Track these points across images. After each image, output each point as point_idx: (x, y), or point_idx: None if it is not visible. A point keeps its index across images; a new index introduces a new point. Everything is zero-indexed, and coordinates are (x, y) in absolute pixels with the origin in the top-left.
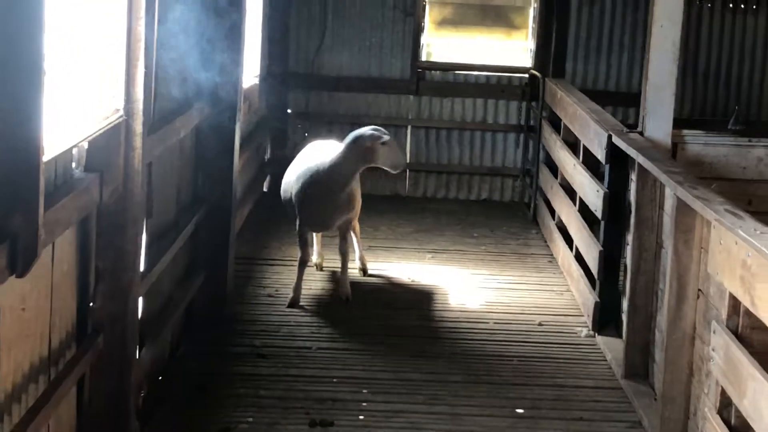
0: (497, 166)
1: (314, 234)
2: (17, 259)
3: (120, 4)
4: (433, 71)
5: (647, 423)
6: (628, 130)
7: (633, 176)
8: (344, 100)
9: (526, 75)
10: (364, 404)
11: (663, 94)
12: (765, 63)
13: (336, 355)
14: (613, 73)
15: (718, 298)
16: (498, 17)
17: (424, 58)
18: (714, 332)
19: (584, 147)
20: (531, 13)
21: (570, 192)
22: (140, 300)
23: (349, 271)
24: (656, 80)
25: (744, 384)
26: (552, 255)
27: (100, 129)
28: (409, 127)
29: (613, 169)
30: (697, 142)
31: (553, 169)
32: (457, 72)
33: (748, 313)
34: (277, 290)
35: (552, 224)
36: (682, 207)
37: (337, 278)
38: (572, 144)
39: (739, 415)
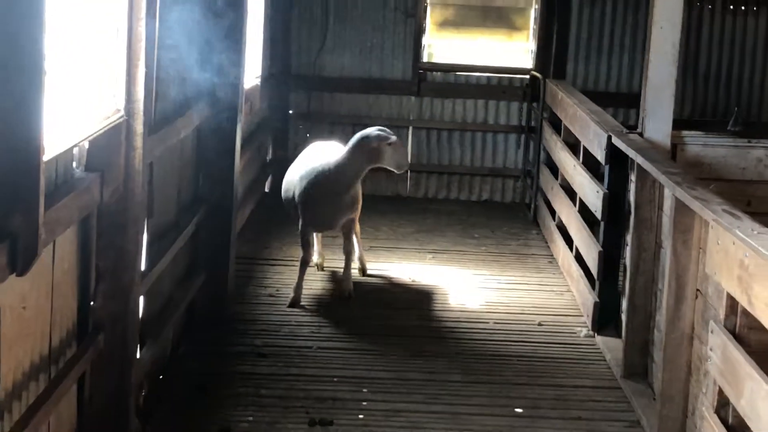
0: (498, 167)
1: (315, 234)
2: (18, 258)
3: (121, 5)
4: (434, 72)
5: (646, 422)
6: (627, 131)
7: (632, 177)
8: (345, 101)
9: (527, 76)
10: (364, 403)
11: (662, 95)
12: (765, 64)
13: (336, 355)
14: (613, 74)
15: (716, 298)
16: (499, 18)
17: (425, 59)
18: (712, 332)
19: (584, 148)
20: (532, 14)
21: (570, 193)
22: (141, 299)
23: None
24: (656, 81)
25: (741, 383)
26: (552, 255)
27: (101, 129)
28: (411, 128)
29: (613, 170)
30: (697, 143)
31: (554, 169)
32: (458, 73)
33: (745, 312)
34: (278, 290)
35: (552, 225)
36: (680, 207)
37: (338, 278)
38: (572, 145)
39: (737, 415)
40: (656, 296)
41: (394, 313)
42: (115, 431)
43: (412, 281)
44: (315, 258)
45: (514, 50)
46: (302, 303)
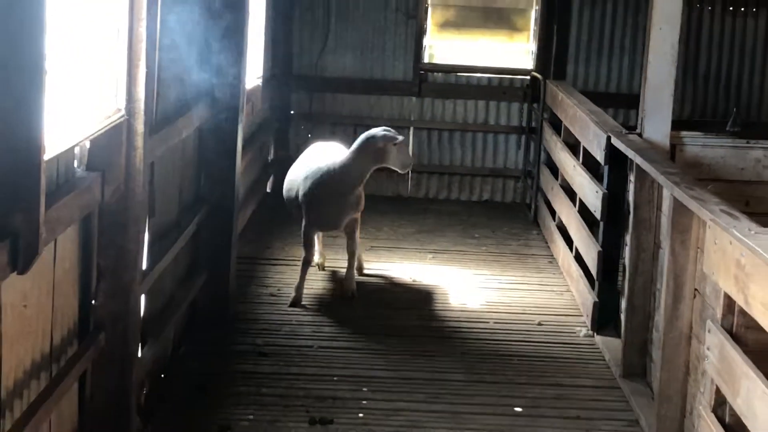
0: (499, 168)
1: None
2: (19, 257)
3: (122, 5)
4: (435, 73)
5: (644, 421)
6: (627, 132)
7: (631, 177)
8: (347, 101)
9: (528, 77)
10: (364, 402)
11: (662, 95)
12: (764, 66)
13: (337, 354)
14: (614, 75)
15: (713, 297)
16: (500, 20)
17: (426, 60)
18: (709, 331)
19: (584, 148)
20: (533, 15)
21: (570, 193)
22: (142, 298)
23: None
24: (655, 82)
25: (738, 382)
26: (552, 255)
27: (102, 128)
28: (412, 129)
29: (612, 171)
30: (696, 144)
31: (554, 170)
32: (459, 74)
33: (742, 312)
34: (279, 289)
35: (552, 225)
36: (678, 207)
37: (338, 277)
38: (572, 145)
39: (734, 414)
40: (655, 296)
41: (395, 312)
42: (116, 429)
43: (413, 281)
44: (316, 258)
45: (514, 51)
46: (303, 302)
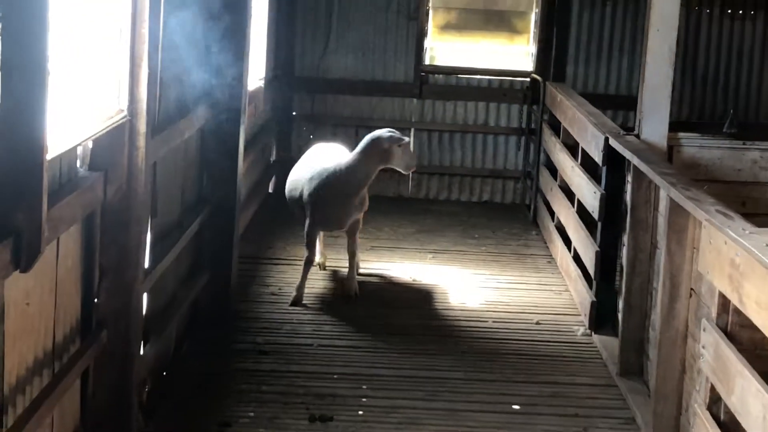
0: (499, 169)
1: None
2: (21, 255)
3: (124, 6)
4: (436, 75)
5: (641, 420)
6: (624, 133)
7: (629, 178)
8: (349, 103)
9: (528, 79)
10: (364, 400)
11: (659, 97)
12: (762, 68)
13: (337, 352)
14: (613, 77)
15: (708, 296)
16: (500, 22)
17: (427, 61)
18: (704, 330)
19: (582, 149)
20: (533, 18)
21: (569, 194)
22: (145, 297)
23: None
24: (652, 84)
25: (732, 381)
26: (551, 256)
27: (105, 128)
28: (413, 130)
29: (610, 171)
30: (693, 145)
31: (553, 171)
32: (459, 76)
33: (737, 311)
34: (280, 289)
35: (551, 225)
36: (675, 207)
37: (339, 277)
38: (571, 146)
39: (728, 411)
40: (652, 296)
41: (395, 311)
42: (118, 426)
43: (413, 281)
44: (317, 257)
45: (514, 53)
46: (304, 302)
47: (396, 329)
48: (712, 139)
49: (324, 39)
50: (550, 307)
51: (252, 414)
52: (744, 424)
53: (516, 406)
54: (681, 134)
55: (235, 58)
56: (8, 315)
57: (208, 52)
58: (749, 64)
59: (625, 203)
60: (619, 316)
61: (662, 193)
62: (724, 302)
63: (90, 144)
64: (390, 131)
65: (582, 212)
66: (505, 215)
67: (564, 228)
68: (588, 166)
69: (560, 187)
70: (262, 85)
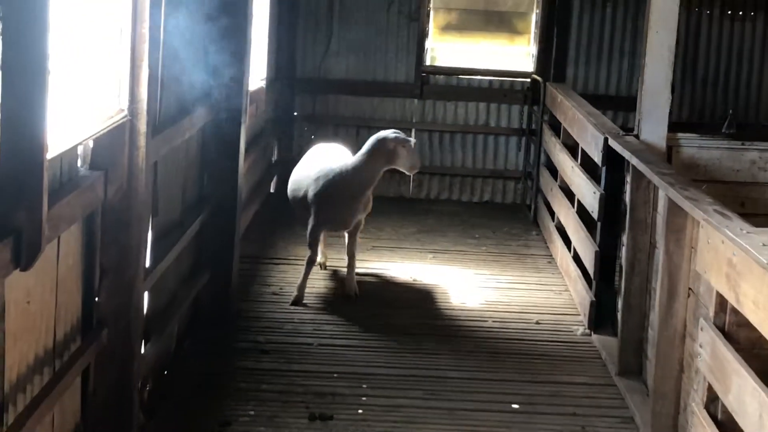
0: (499, 169)
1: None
2: (21, 253)
3: (125, 6)
4: (437, 75)
5: (639, 419)
6: (624, 133)
7: (628, 178)
8: (350, 103)
9: (528, 79)
10: (364, 399)
11: (658, 98)
12: (761, 68)
13: (337, 351)
14: (613, 78)
15: (706, 296)
16: (501, 23)
17: (428, 62)
18: (701, 329)
19: (582, 150)
20: (533, 19)
21: (569, 194)
22: (145, 296)
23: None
24: (652, 85)
25: (729, 379)
26: (551, 256)
27: (105, 128)
28: (413, 131)
29: (610, 172)
30: (692, 145)
31: (554, 171)
32: (460, 76)
33: (734, 310)
34: (281, 288)
35: (551, 225)
36: (673, 207)
37: (340, 277)
38: (572, 147)
39: (725, 410)
40: (651, 295)
41: (395, 311)
42: (118, 424)
43: (414, 280)
44: (318, 257)
45: (515, 54)
46: (305, 301)
47: (396, 329)
48: (711, 139)
49: (325, 40)
50: (549, 306)
51: (252, 412)
52: (741, 423)
53: (515, 405)
54: (680, 135)
55: (235, 58)
56: (9, 313)
57: (209, 52)
58: (749, 65)
59: (624, 203)
60: (619, 315)
61: (661, 193)
62: (721, 301)
63: (90, 143)
64: (395, 132)
65: (582, 212)
66: (505, 215)
67: (564, 228)
68: (588, 166)
69: (560, 187)
70: (264, 86)
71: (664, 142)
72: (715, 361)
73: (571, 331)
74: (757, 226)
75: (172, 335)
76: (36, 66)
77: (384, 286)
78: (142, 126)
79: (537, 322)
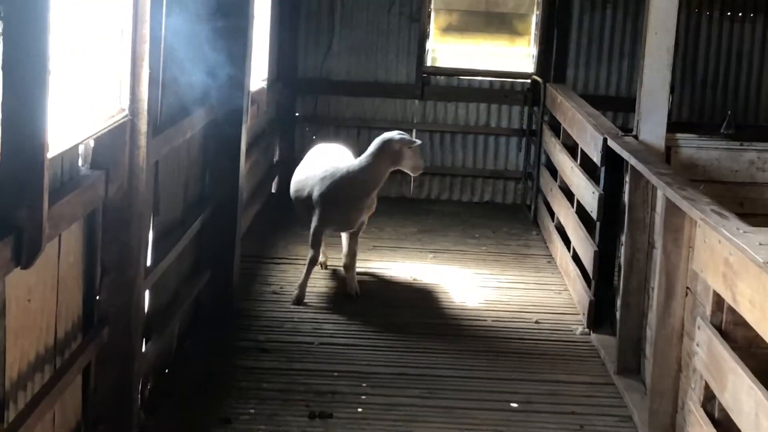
0: (500, 169)
1: None
2: (22, 251)
3: (126, 6)
4: (438, 76)
5: (637, 417)
6: (623, 134)
7: (627, 178)
8: (351, 104)
9: (529, 80)
10: (363, 397)
11: (657, 99)
12: (760, 69)
13: (337, 350)
14: (613, 79)
15: (703, 295)
16: (502, 24)
17: (429, 63)
18: (699, 328)
19: (582, 150)
20: (534, 20)
21: (568, 194)
22: (146, 294)
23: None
24: (650, 86)
25: (725, 378)
26: (551, 255)
27: (106, 127)
28: (414, 131)
29: (609, 172)
30: (690, 146)
31: (554, 172)
32: (461, 77)
33: (731, 309)
34: (282, 287)
35: (551, 225)
36: (671, 207)
37: (340, 276)
38: (571, 147)
39: (722, 409)
40: (649, 295)
41: (395, 310)
42: (119, 421)
43: (414, 280)
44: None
45: (516, 55)
46: (305, 300)
47: (396, 328)
48: (710, 140)
49: (326, 41)
50: (549, 306)
51: (252, 411)
52: (737, 421)
53: (514, 404)
54: (679, 135)
55: (236, 59)
56: (10, 311)
57: (210, 52)
58: (749, 67)
59: (623, 203)
60: (617, 315)
61: (659, 193)
62: (718, 300)
63: (91, 143)
64: (401, 133)
65: (581, 212)
66: (505, 215)
67: (564, 228)
68: (587, 166)
69: (560, 187)
70: (265, 87)
71: (662, 143)
72: (712, 359)
73: (570, 331)
74: (755, 226)
75: (173, 334)
76: (37, 65)
77: (384, 285)
78: (143, 125)
79: (536, 322)
